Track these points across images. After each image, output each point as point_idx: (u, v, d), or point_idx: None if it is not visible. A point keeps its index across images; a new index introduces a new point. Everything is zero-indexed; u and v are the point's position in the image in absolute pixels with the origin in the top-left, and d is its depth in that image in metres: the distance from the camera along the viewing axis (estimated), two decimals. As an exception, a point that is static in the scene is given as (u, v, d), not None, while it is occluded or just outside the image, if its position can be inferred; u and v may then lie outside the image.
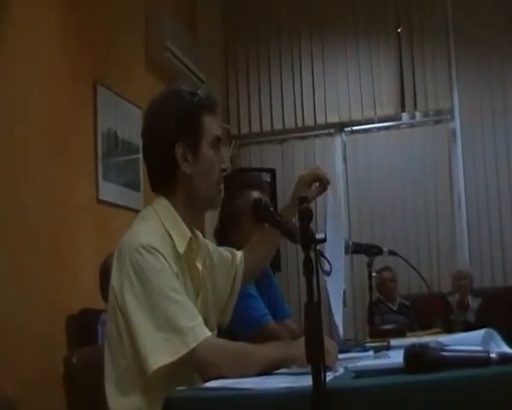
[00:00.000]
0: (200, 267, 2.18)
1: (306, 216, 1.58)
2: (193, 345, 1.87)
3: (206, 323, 2.05)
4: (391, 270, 6.95)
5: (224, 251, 2.44)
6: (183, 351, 1.86)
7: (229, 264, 2.41)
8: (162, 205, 2.12)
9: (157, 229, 2.05)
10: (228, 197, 3.14)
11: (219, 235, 3.19)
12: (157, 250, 1.96)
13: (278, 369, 1.88)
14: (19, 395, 2.77)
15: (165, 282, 1.94)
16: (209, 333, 1.93)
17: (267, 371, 1.86)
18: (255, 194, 3.02)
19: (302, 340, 1.49)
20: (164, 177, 2.13)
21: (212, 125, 2.15)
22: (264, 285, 3.18)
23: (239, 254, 2.46)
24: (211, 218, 3.58)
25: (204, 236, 2.36)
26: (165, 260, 1.97)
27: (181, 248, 2.06)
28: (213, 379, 1.76)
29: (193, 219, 2.19)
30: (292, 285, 7.43)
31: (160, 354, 1.86)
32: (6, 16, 4.13)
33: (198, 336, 1.89)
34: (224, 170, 2.18)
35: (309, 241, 1.54)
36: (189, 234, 2.10)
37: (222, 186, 2.20)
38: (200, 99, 2.13)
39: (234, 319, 2.44)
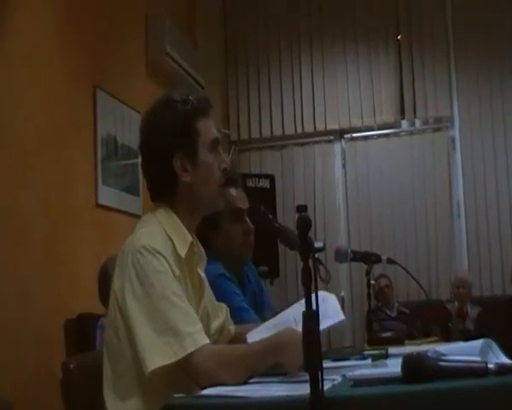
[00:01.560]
0: (201, 274, 2.18)
1: (305, 224, 1.58)
2: (190, 350, 1.86)
3: (206, 330, 2.06)
4: (387, 277, 6.96)
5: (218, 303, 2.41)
6: (181, 354, 1.86)
7: (220, 311, 2.39)
8: (163, 211, 2.12)
9: (159, 233, 2.05)
10: None
11: (201, 242, 3.16)
12: (159, 252, 1.96)
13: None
14: (17, 400, 2.76)
15: (167, 285, 1.93)
16: (207, 341, 1.93)
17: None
18: (232, 191, 2.98)
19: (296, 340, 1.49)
20: (164, 189, 2.13)
21: (207, 129, 2.14)
22: (253, 289, 3.14)
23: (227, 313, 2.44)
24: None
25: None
26: (167, 262, 1.97)
27: (182, 252, 2.06)
28: (208, 387, 1.76)
29: (195, 222, 2.19)
30: (290, 292, 7.42)
31: (157, 355, 1.86)
32: (6, 21, 4.14)
33: (197, 342, 1.88)
34: (224, 169, 2.18)
35: (307, 249, 1.54)
36: (190, 238, 2.10)
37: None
38: (192, 106, 2.12)
39: None
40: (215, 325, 2.32)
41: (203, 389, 1.76)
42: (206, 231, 3.06)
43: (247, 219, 2.97)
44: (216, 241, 3.00)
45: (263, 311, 3.05)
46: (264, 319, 2.82)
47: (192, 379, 1.89)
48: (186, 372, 1.89)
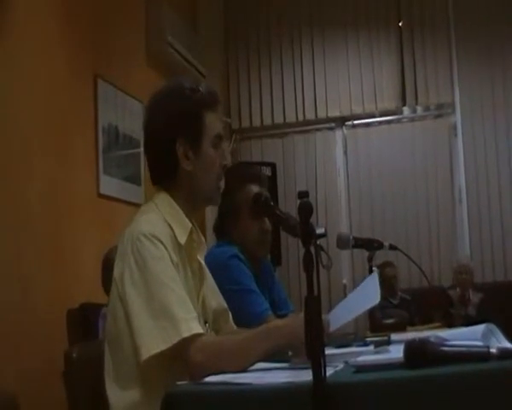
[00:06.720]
0: (201, 261, 2.18)
1: (307, 210, 1.58)
2: (185, 335, 1.86)
3: (207, 317, 2.07)
4: (393, 266, 6.85)
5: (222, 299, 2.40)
6: (176, 339, 1.85)
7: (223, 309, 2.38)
8: (162, 198, 2.12)
9: (158, 220, 2.05)
10: (227, 191, 3.10)
11: (218, 229, 3.16)
12: (158, 239, 1.96)
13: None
14: (19, 390, 2.76)
15: (164, 270, 1.93)
16: (201, 330, 1.93)
17: (262, 360, 1.88)
18: (255, 188, 2.99)
19: (296, 322, 1.49)
20: (164, 172, 2.13)
21: (213, 123, 2.13)
22: (267, 283, 3.16)
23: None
24: (211, 214, 3.57)
25: (205, 230, 2.35)
26: (166, 249, 1.97)
27: (182, 239, 2.05)
28: (198, 379, 1.73)
29: (193, 211, 2.18)
30: (292, 279, 7.43)
31: (152, 342, 1.86)
32: (6, 11, 4.12)
33: (191, 328, 1.88)
34: (224, 166, 2.17)
35: (309, 235, 1.54)
36: (189, 225, 2.10)
37: (222, 183, 2.19)
38: (201, 96, 2.12)
39: (234, 315, 2.44)
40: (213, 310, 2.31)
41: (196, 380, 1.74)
42: (225, 221, 3.07)
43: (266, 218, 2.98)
44: (233, 231, 3.03)
45: (278, 309, 3.06)
46: (280, 317, 2.83)
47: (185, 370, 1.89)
48: (182, 359, 1.89)
